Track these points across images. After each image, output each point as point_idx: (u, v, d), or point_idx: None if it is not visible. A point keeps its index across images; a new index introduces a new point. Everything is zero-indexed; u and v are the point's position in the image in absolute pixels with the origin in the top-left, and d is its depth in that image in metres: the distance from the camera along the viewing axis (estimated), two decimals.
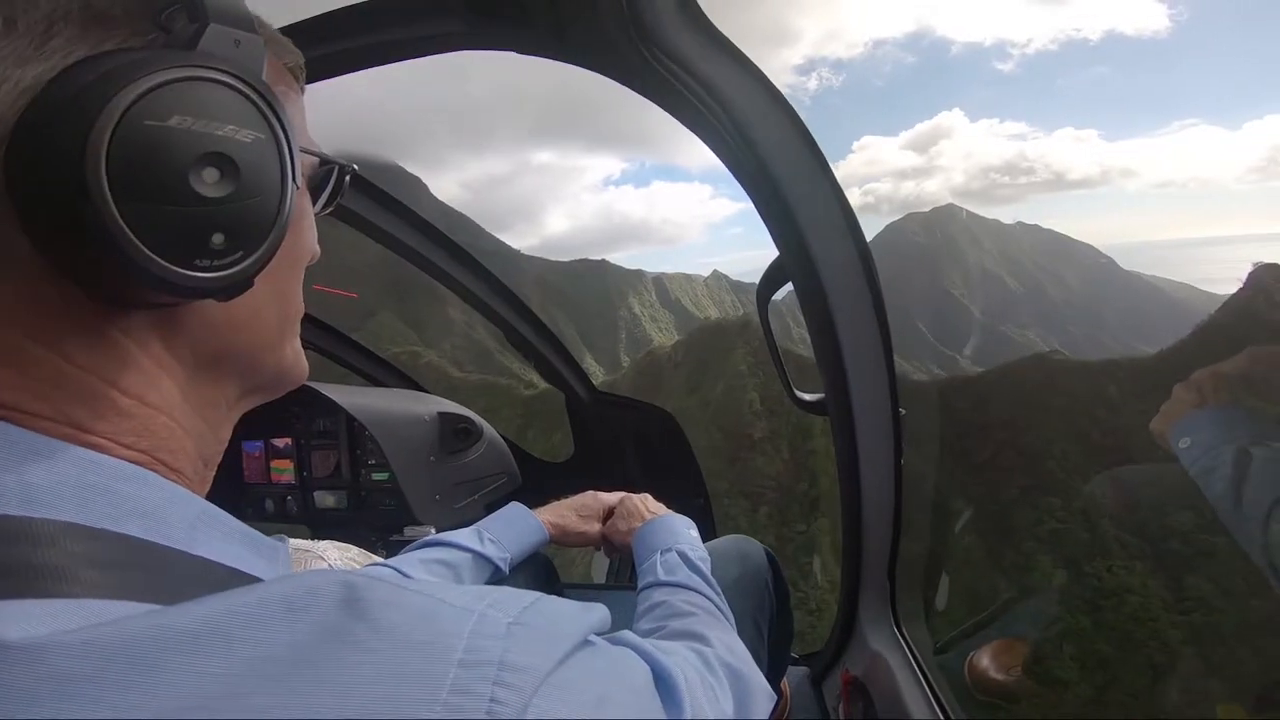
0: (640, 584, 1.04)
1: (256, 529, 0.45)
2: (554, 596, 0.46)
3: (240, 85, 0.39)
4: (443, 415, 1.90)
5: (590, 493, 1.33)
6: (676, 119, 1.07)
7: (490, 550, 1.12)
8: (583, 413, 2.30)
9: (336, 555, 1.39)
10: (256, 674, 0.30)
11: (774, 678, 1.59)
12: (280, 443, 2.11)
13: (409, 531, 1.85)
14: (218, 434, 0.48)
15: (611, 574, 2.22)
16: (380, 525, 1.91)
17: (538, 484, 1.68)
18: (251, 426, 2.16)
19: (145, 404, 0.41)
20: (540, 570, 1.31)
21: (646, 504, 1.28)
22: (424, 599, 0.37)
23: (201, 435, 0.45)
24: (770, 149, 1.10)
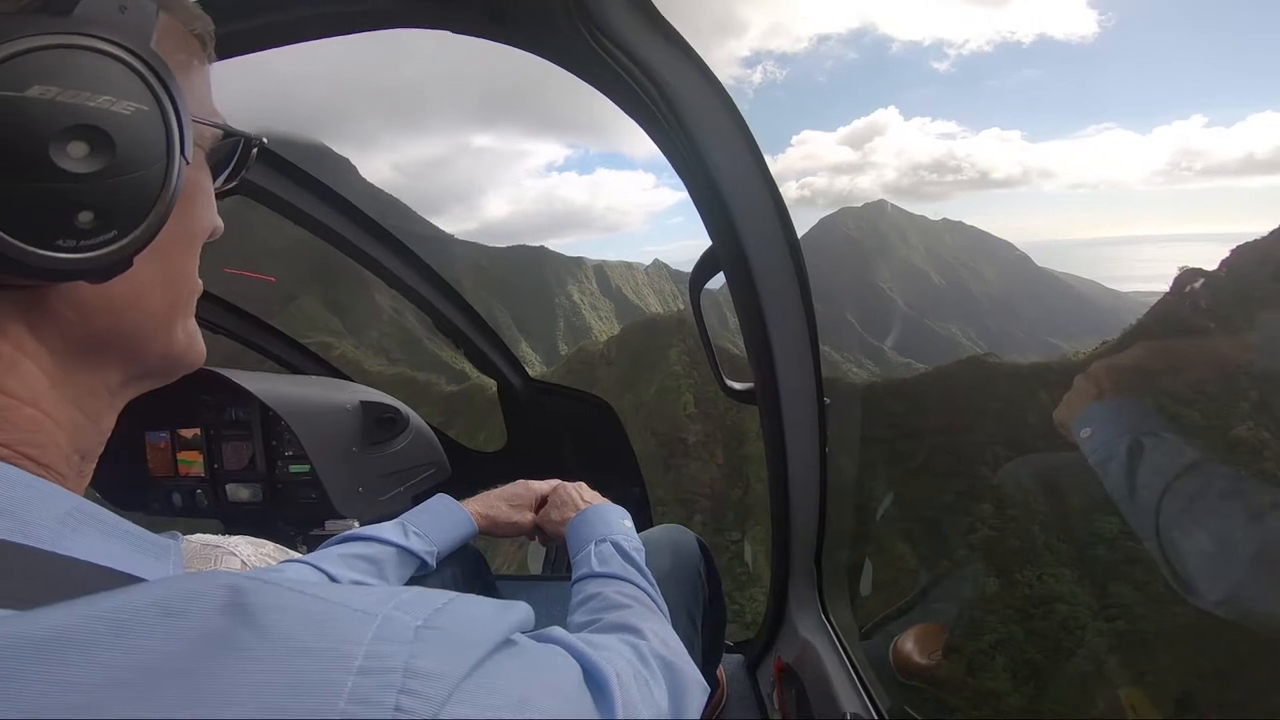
0: (574, 575, 1.03)
1: (164, 525, 0.43)
2: (471, 596, 0.45)
3: (121, 53, 0.37)
4: (366, 404, 1.84)
5: (521, 482, 1.31)
6: (615, 103, 1.07)
7: (415, 544, 1.09)
8: (516, 401, 2.28)
9: (250, 551, 1.33)
10: (121, 685, 0.27)
11: (709, 667, 1.60)
12: (188, 433, 1.99)
13: (330, 526, 1.79)
14: (98, 424, 0.45)
15: (548, 564, 2.22)
16: (300, 519, 1.84)
17: (468, 475, 1.67)
18: (155, 416, 2.03)
19: (4, 393, 0.39)
20: (470, 563, 1.28)
21: (581, 493, 1.26)
22: (320, 603, 0.35)
23: (77, 426, 0.43)
24: (707, 138, 1.12)
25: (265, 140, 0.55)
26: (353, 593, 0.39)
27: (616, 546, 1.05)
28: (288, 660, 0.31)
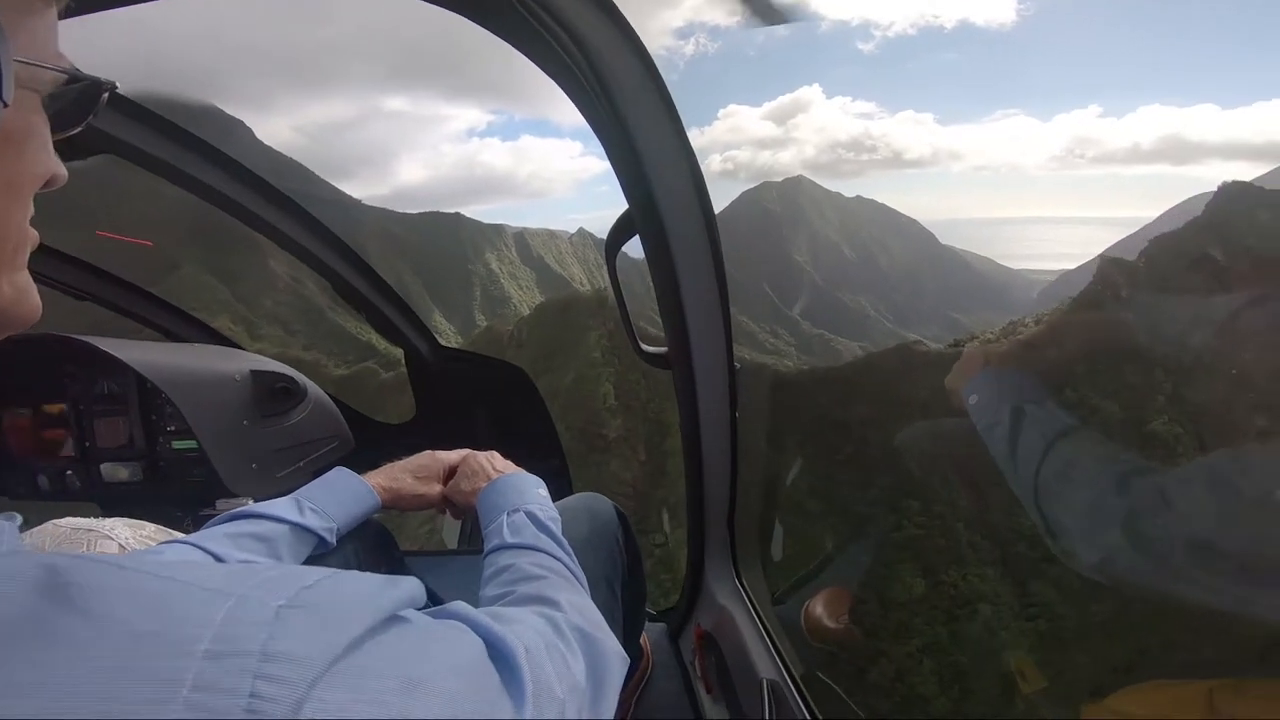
0: (486, 548, 1.01)
1: (35, 510, 0.40)
2: (352, 573, 0.44)
3: None
4: (257, 374, 1.74)
5: (428, 452, 1.27)
6: (536, 64, 1.05)
7: (312, 520, 1.04)
8: (425, 370, 2.22)
9: (129, 534, 1.23)
10: None
11: (631, 636, 1.61)
12: (53, 409, 1.81)
13: (222, 505, 1.69)
14: None
15: (464, 538, 2.20)
16: (187, 499, 1.73)
17: (375, 448, 1.64)
18: (14, 391, 1.84)
19: None
20: (374, 539, 1.24)
21: (492, 462, 1.23)
22: (160, 582, 0.33)
23: None
24: (629, 104, 1.11)
25: (118, 85, 0.50)
26: (210, 572, 0.37)
27: (530, 516, 1.03)
28: (119, 645, 0.29)
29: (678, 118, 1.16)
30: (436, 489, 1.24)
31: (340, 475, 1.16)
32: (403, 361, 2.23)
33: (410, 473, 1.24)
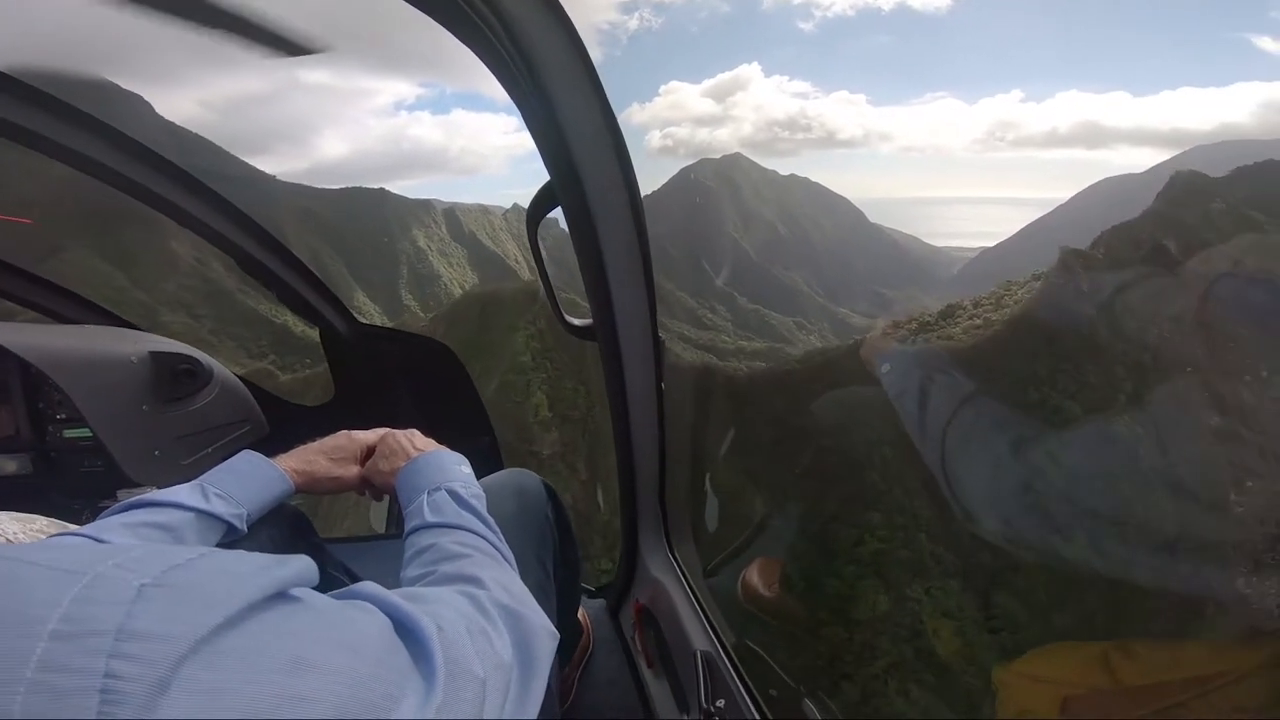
0: (407, 528, 0.99)
1: None
2: (232, 552, 0.43)
3: None
4: (157, 355, 1.64)
5: (344, 432, 1.23)
6: (448, 29, 1.04)
7: (219, 507, 0.99)
8: (342, 348, 2.15)
9: (18, 529, 1.16)
10: None
11: (567, 612, 1.62)
12: None
13: (124, 496, 1.60)
14: None
15: (392, 521, 2.17)
16: (84, 490, 1.63)
17: (291, 431, 1.60)
18: None
19: None
20: (290, 525, 1.20)
21: (412, 440, 1.20)
22: (8, 564, 0.32)
23: None
24: (549, 72, 1.09)
25: None
26: (72, 553, 0.37)
27: (452, 494, 1.02)
28: None
29: (600, 87, 1.16)
30: (354, 470, 1.21)
31: (248, 459, 1.12)
32: (319, 346, 2.15)
33: (324, 454, 1.19)
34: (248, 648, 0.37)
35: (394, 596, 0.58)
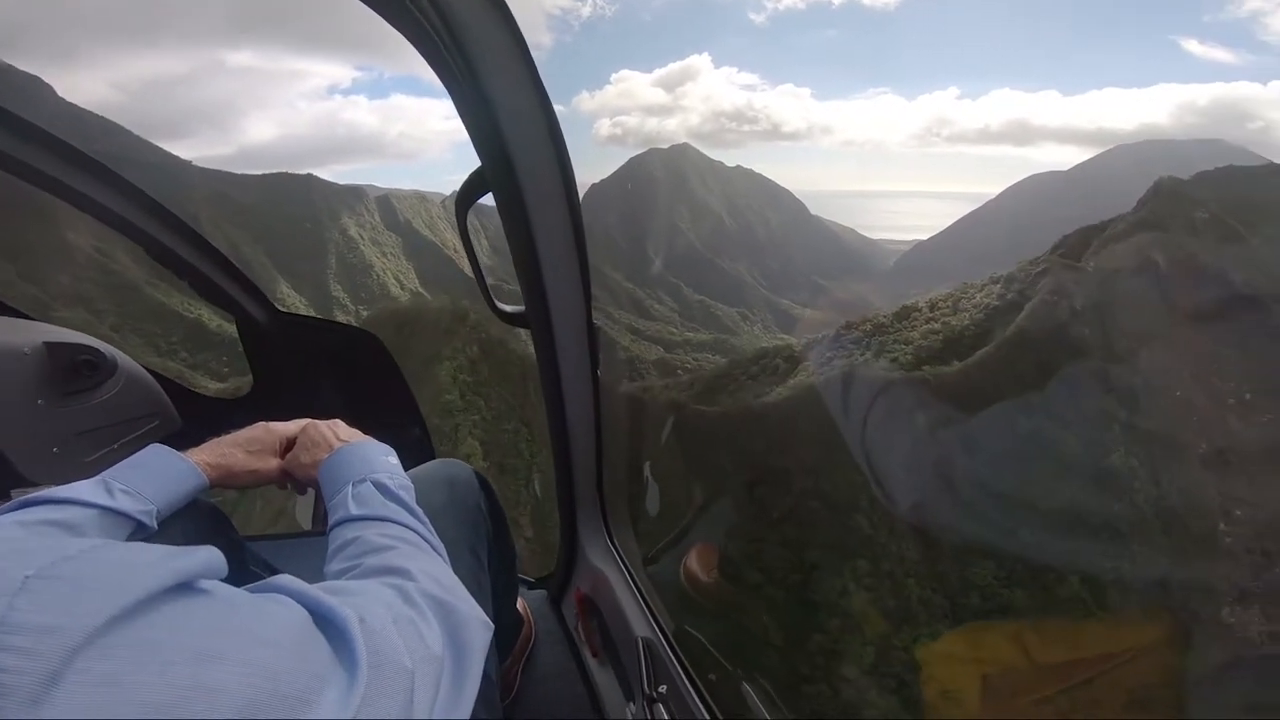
0: (330, 521, 0.98)
1: None
2: (126, 544, 0.44)
3: None
4: (52, 346, 1.54)
5: (261, 424, 1.20)
6: (372, 8, 1.02)
7: (124, 503, 0.96)
8: (261, 338, 2.07)
9: None
10: None
11: (504, 603, 1.62)
12: None
13: (18, 494, 1.49)
14: None
15: (319, 517, 2.10)
16: None
17: (205, 426, 1.54)
18: None
19: None
20: (205, 521, 1.16)
21: (335, 431, 1.18)
22: None
23: None
24: (480, 53, 1.09)
25: None
26: None
27: (378, 486, 1.01)
28: None
29: (535, 71, 1.16)
30: (273, 463, 1.18)
31: (156, 453, 1.08)
32: (238, 342, 2.05)
33: (241, 447, 1.16)
34: (148, 639, 0.37)
35: (313, 589, 0.58)
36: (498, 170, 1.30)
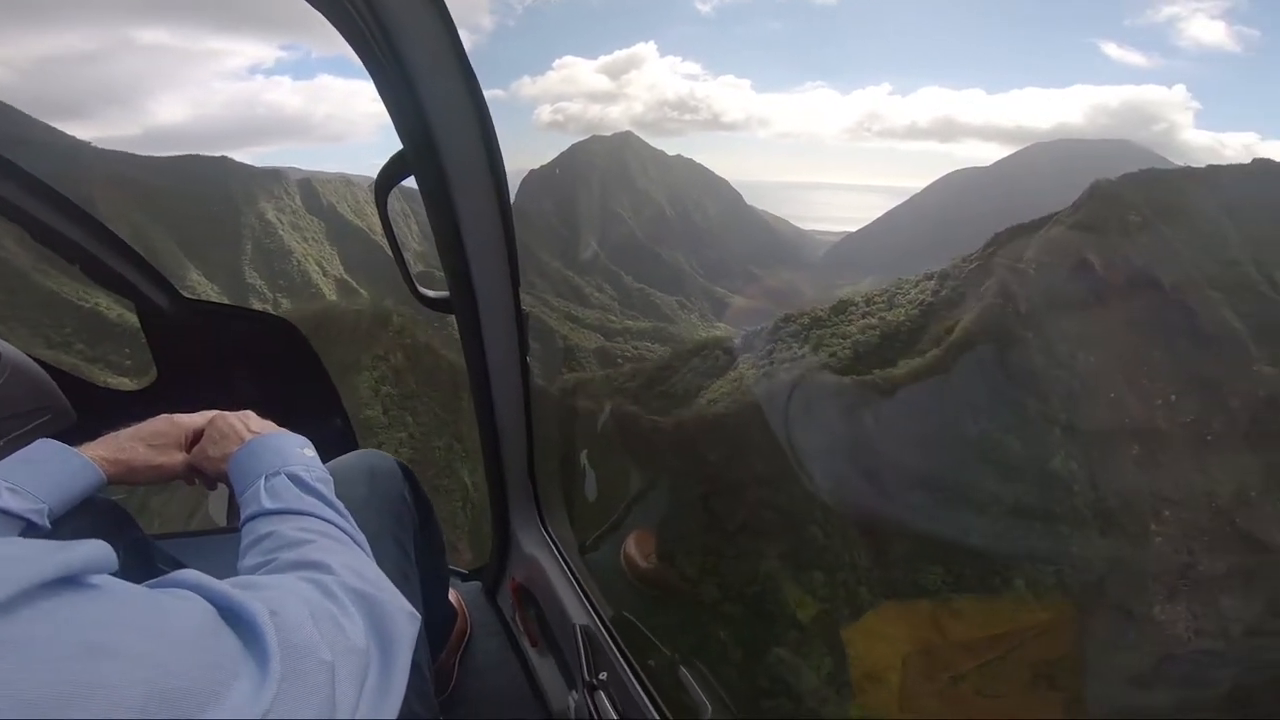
0: (243, 516, 0.97)
1: None
2: (7, 539, 0.42)
3: None
4: None
5: (164, 416, 1.16)
6: None
7: (11, 502, 0.91)
8: (165, 327, 1.96)
9: None
10: None
11: (435, 596, 1.62)
12: None
13: None
14: None
15: (233, 514, 2.02)
16: None
17: (106, 420, 1.44)
18: None
19: None
20: (105, 519, 1.11)
21: (246, 422, 1.15)
22: None
23: None
24: (401, 32, 1.07)
25: None
26: None
27: (293, 478, 1.00)
28: None
29: (460, 47, 1.14)
30: (178, 458, 1.14)
31: (46, 448, 1.02)
32: (139, 332, 1.93)
33: (142, 441, 1.11)
34: (25, 635, 0.36)
35: (220, 584, 0.57)
36: (420, 152, 1.28)
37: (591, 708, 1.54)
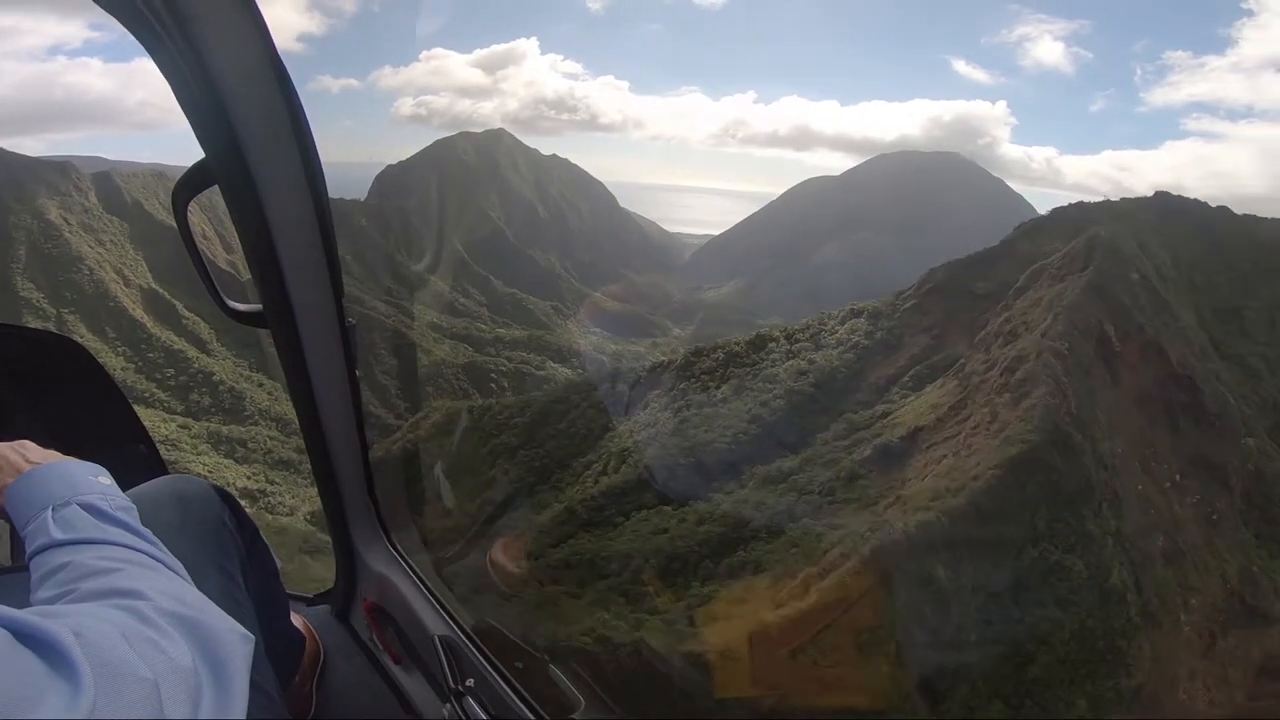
0: (29, 551, 0.92)
1: None
2: None
3: None
4: None
5: None
6: None
7: None
8: None
9: None
10: None
11: (274, 620, 1.58)
12: None
13: None
14: None
15: (17, 550, 1.81)
16: None
17: None
18: None
19: None
20: None
21: (24, 452, 1.08)
22: None
23: None
24: (202, 32, 1.03)
25: None
26: None
27: (88, 508, 0.96)
28: None
29: (270, 42, 1.11)
30: None
31: None
32: None
33: None
34: None
35: (12, 610, 0.57)
36: (224, 160, 1.24)
37: (462, 716, 1.56)
